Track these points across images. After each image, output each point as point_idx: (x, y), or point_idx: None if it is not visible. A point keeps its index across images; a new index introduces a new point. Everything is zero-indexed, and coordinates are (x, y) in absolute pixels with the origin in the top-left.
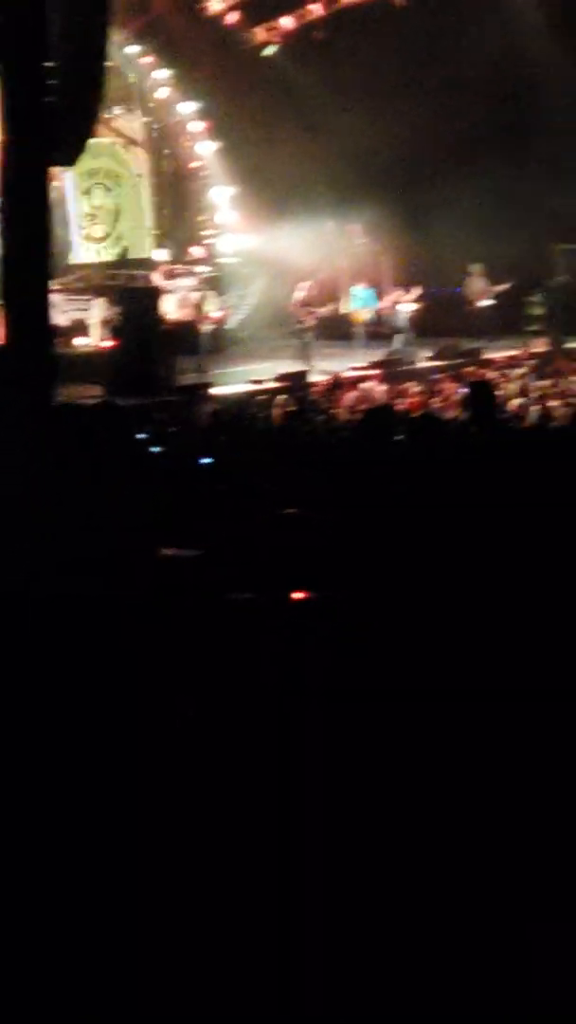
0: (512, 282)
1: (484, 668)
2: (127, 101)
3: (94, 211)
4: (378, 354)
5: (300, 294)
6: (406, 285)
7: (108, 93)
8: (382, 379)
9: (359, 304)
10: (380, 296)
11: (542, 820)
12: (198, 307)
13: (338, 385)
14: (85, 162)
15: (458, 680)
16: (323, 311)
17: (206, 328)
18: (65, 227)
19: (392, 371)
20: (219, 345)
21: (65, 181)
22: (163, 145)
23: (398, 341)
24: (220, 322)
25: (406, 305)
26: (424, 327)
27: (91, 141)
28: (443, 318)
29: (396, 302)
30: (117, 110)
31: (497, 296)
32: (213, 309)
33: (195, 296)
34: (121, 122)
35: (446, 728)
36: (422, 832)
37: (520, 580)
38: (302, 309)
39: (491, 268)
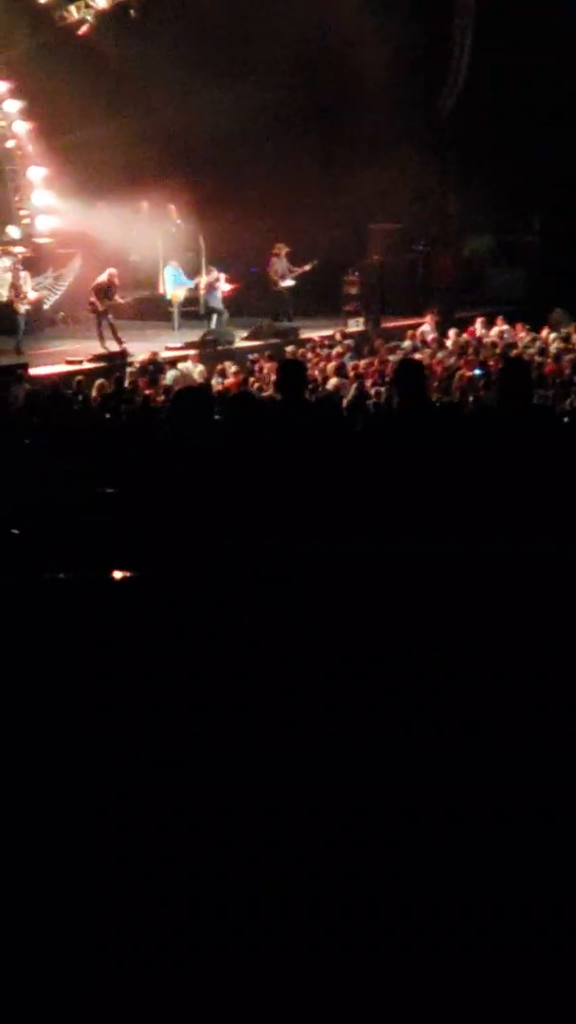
0: (314, 263)
1: (310, 650)
2: None
3: None
4: (194, 335)
5: (101, 279)
6: (220, 265)
7: None
8: (199, 359)
9: (170, 284)
10: (190, 276)
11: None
12: (14, 287)
13: (156, 366)
14: None
15: (288, 662)
16: (122, 300)
17: (22, 308)
18: None
19: (209, 351)
20: (36, 326)
21: None
22: None
23: (214, 322)
24: (36, 303)
25: (220, 285)
26: (241, 307)
27: None
28: (259, 298)
29: (211, 283)
30: None
31: (298, 277)
32: (29, 290)
33: (10, 277)
34: None
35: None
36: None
37: (338, 557)
38: (95, 294)
39: (308, 248)
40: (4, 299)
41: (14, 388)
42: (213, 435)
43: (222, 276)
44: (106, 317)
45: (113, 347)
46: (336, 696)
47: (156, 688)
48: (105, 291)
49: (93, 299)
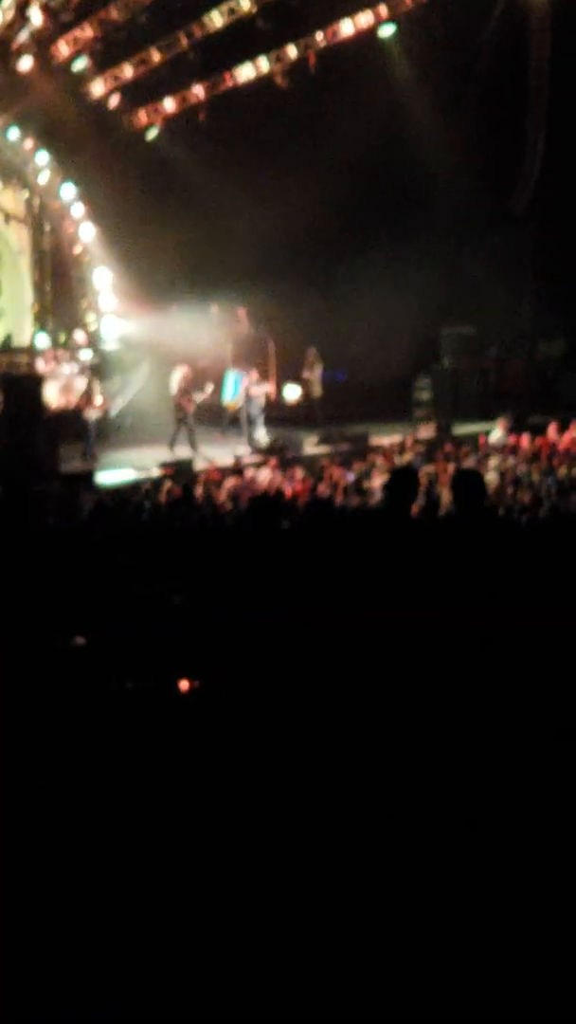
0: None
1: (366, 755)
2: (6, 176)
3: None
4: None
5: (177, 379)
6: (291, 370)
7: None
8: (276, 466)
9: (228, 392)
10: (261, 381)
11: None
12: (82, 393)
13: (239, 472)
14: None
15: (342, 767)
16: (200, 397)
17: (90, 415)
18: None
19: (278, 458)
20: (103, 432)
21: None
22: (43, 221)
23: (253, 428)
24: (104, 408)
25: (259, 390)
26: (310, 413)
27: None
28: (330, 404)
29: (249, 388)
30: None
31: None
32: (96, 395)
33: (78, 382)
34: (0, 197)
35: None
36: None
37: (413, 674)
38: (182, 396)
39: (378, 352)
40: (73, 405)
41: (82, 495)
42: (289, 543)
43: (252, 380)
44: (187, 420)
45: (183, 453)
46: None
47: (223, 799)
48: (186, 391)
49: (183, 404)
